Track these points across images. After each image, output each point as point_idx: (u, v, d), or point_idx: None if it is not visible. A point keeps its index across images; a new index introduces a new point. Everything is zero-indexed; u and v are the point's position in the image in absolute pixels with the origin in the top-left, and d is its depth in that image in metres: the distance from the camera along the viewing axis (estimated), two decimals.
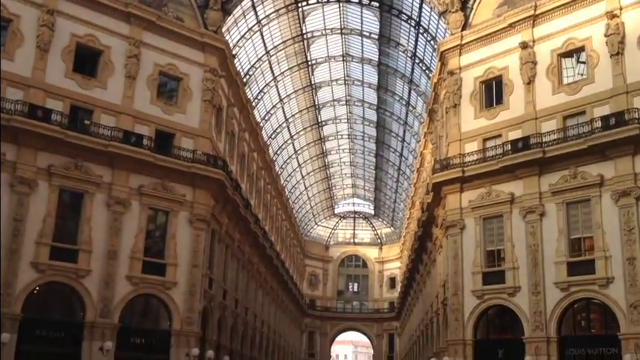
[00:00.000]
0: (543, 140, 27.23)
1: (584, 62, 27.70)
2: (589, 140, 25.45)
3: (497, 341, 28.47)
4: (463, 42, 31.76)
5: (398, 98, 52.60)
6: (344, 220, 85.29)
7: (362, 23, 46.12)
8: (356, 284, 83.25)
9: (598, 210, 25.37)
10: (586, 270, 25.42)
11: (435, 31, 39.22)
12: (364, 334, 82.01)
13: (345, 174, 74.37)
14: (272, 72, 48.09)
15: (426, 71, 43.95)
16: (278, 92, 50.86)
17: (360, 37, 47.94)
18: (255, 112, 45.47)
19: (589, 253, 25.84)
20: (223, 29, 35.09)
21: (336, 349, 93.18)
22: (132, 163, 28.41)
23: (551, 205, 26.90)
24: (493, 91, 30.75)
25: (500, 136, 29.60)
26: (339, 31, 47.45)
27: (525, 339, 26.41)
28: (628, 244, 24.02)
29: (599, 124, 25.41)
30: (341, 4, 44.79)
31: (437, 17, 37.39)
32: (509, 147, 28.33)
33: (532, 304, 26.49)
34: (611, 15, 26.22)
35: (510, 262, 27.79)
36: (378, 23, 45.38)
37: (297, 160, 63.63)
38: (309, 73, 51.57)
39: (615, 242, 24.54)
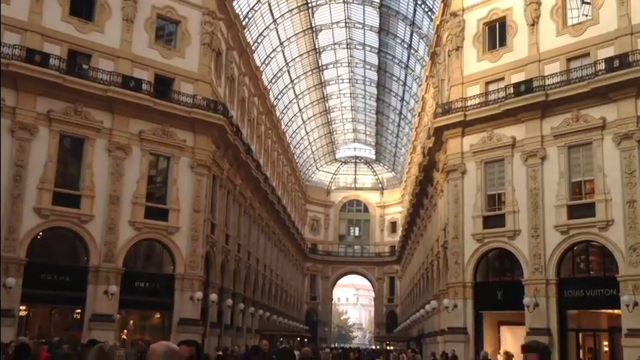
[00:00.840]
0: (546, 83, 26.98)
1: (588, 3, 27.20)
2: (592, 83, 25.21)
3: (497, 283, 28.87)
4: None
5: (400, 41, 51.92)
6: (345, 165, 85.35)
7: None
8: (357, 229, 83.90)
9: (599, 153, 25.32)
10: (586, 213, 25.55)
11: None
12: (365, 277, 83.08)
13: (346, 118, 74.02)
14: (272, 14, 47.30)
15: (429, 13, 43.26)
16: (278, 35, 50.15)
17: None
18: (255, 56, 44.93)
19: (589, 196, 25.93)
20: None
21: (337, 292, 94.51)
22: (131, 108, 28.26)
23: (553, 148, 26.85)
24: (496, 33, 30.30)
25: (503, 79, 29.32)
26: None
27: (524, 281, 26.75)
28: (629, 187, 24.06)
29: (602, 66, 25.12)
30: None
31: None
32: (511, 90, 28.10)
33: (532, 247, 26.73)
34: None
35: (511, 205, 27.91)
36: None
37: (298, 105, 63.24)
38: (309, 15, 50.74)
39: (616, 185, 24.57)
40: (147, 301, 29.06)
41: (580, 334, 26.70)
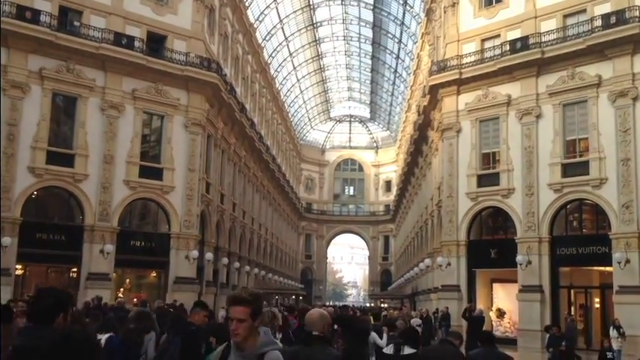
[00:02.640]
0: (542, 40, 26.77)
1: None
2: (588, 40, 25.03)
3: (490, 241, 29.11)
4: None
5: None
6: (340, 124, 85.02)
7: None
8: (352, 188, 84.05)
9: (594, 111, 25.28)
10: (580, 171, 25.66)
11: None
12: (360, 236, 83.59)
13: (341, 77, 73.41)
14: None
15: None
16: None
17: None
18: (249, 12, 44.30)
19: (584, 154, 26.00)
20: None
21: (332, 251, 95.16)
22: (124, 66, 27.98)
23: (548, 106, 26.79)
24: None
25: (499, 36, 29.08)
26: None
27: (518, 239, 26.97)
28: (623, 145, 24.10)
29: (599, 22, 24.92)
30: None
31: None
32: (507, 47, 27.90)
33: (525, 205, 26.87)
34: None
35: (505, 164, 27.95)
36: None
37: (292, 63, 62.61)
38: None
39: (610, 143, 24.60)
40: (142, 260, 29.24)
41: (572, 291, 27.08)
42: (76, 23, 27.53)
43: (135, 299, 27.00)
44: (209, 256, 31.53)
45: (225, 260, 35.55)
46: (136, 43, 28.33)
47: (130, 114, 28.54)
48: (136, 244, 28.85)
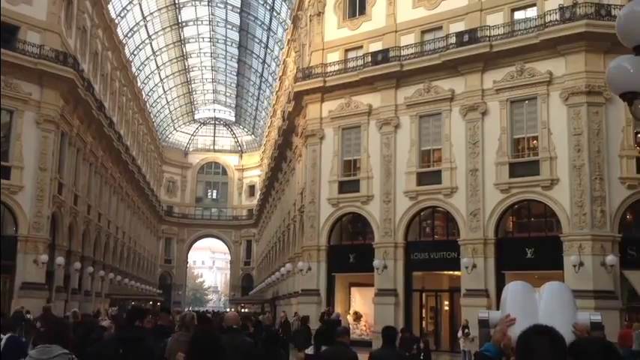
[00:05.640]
0: (402, 54, 27.87)
1: None
2: (443, 56, 26.36)
3: (350, 246, 29.82)
4: None
5: (262, 2, 51.32)
6: (204, 127, 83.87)
7: None
8: (215, 191, 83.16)
9: (447, 123, 26.65)
10: (433, 180, 26.93)
11: None
12: (222, 240, 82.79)
13: (206, 79, 72.43)
14: None
15: None
16: None
17: None
18: (110, 7, 42.60)
19: (437, 164, 27.31)
20: None
21: (193, 255, 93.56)
22: None
23: (406, 117, 27.90)
24: (357, 1, 30.79)
25: (361, 47, 29.94)
26: None
27: (375, 244, 27.83)
28: (472, 157, 25.58)
29: (453, 40, 26.32)
30: None
31: None
32: (369, 59, 28.77)
33: (383, 211, 27.79)
34: None
35: (365, 171, 28.77)
36: None
37: (156, 62, 60.95)
38: None
39: (461, 154, 26.02)
40: None
41: (424, 294, 28.31)
42: None
43: None
44: (60, 260, 29.92)
45: (77, 265, 33.90)
46: None
47: None
48: None
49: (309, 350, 9.47)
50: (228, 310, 72.28)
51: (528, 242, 24.42)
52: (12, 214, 27.75)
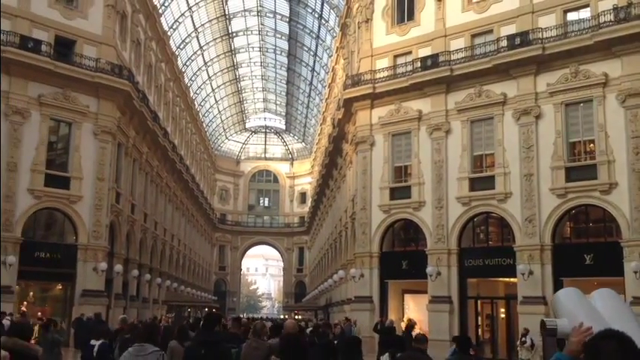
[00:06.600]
0: (451, 58, 27.65)
1: None
2: (494, 59, 26.04)
3: (402, 253, 29.68)
4: None
5: (311, 10, 51.70)
6: (255, 135, 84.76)
7: None
8: (267, 199, 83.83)
9: (500, 128, 26.29)
10: (486, 185, 26.58)
11: None
12: (275, 247, 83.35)
13: (257, 88, 73.27)
14: None
15: None
16: (187, 0, 48.78)
17: None
18: (163, 20, 43.58)
19: (490, 169, 26.96)
20: None
21: (246, 262, 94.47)
22: (30, 71, 26.92)
23: (457, 122, 27.64)
24: (405, 7, 30.71)
25: (410, 52, 29.81)
26: None
27: (428, 251, 27.61)
28: (526, 161, 25.15)
29: (504, 43, 25.98)
30: None
31: None
32: (418, 64, 28.63)
33: (435, 217, 27.57)
34: None
35: (416, 177, 28.61)
36: None
37: (207, 73, 61.99)
38: None
39: (514, 159, 25.62)
40: (48, 272, 28.06)
41: (479, 302, 27.89)
42: None
43: (39, 313, 25.89)
44: (118, 268, 30.64)
45: (135, 272, 34.68)
46: (43, 47, 27.31)
47: (36, 120, 27.44)
48: (41, 255, 27.61)
49: (384, 358, 9.45)
50: (282, 317, 72.75)
51: (587, 248, 23.84)
52: (72, 223, 28.55)
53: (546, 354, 20.15)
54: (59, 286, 29.85)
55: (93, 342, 9.81)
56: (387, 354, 9.14)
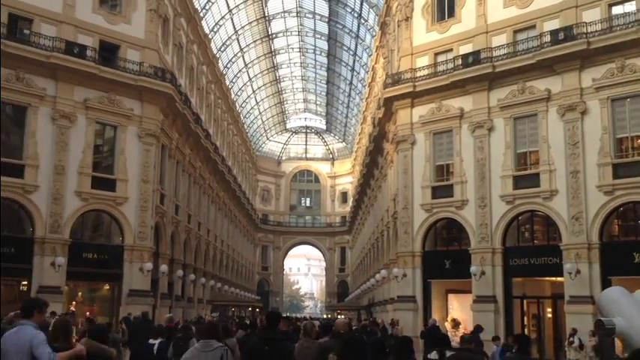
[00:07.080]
0: (493, 55, 27.31)
1: None
2: (537, 55, 25.62)
3: (445, 252, 29.43)
4: None
5: (350, 10, 51.63)
6: (296, 135, 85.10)
7: None
8: (308, 199, 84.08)
9: (544, 124, 25.85)
10: (531, 183, 26.16)
11: None
12: (317, 247, 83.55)
13: (297, 88, 73.57)
14: None
15: None
16: (227, 2, 49.20)
17: None
18: (204, 23, 44.09)
19: (534, 166, 26.52)
20: None
21: (289, 262, 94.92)
22: (76, 76, 27.51)
23: (499, 119, 27.28)
24: (445, 4, 30.42)
25: (451, 50, 29.55)
26: None
27: (471, 250, 27.32)
28: (572, 158, 24.68)
29: (548, 38, 25.54)
30: None
31: None
32: (459, 62, 28.36)
33: (478, 216, 27.26)
34: None
35: (458, 176, 28.34)
36: None
37: (248, 74, 62.50)
38: None
39: (559, 156, 25.16)
40: (95, 272, 28.68)
41: (524, 301, 27.44)
42: (26, 31, 27.00)
43: (88, 313, 26.46)
44: (164, 268, 31.11)
45: (180, 272, 35.16)
46: (88, 52, 27.92)
47: (82, 124, 28.05)
48: (89, 256, 28.24)
49: (432, 355, 9.40)
50: (325, 316, 72.97)
51: (636, 246, 23.20)
52: (118, 224, 29.11)
53: (605, 355, 19.71)
54: (106, 286, 30.44)
55: (152, 341, 10.42)
56: (434, 351, 9.06)
